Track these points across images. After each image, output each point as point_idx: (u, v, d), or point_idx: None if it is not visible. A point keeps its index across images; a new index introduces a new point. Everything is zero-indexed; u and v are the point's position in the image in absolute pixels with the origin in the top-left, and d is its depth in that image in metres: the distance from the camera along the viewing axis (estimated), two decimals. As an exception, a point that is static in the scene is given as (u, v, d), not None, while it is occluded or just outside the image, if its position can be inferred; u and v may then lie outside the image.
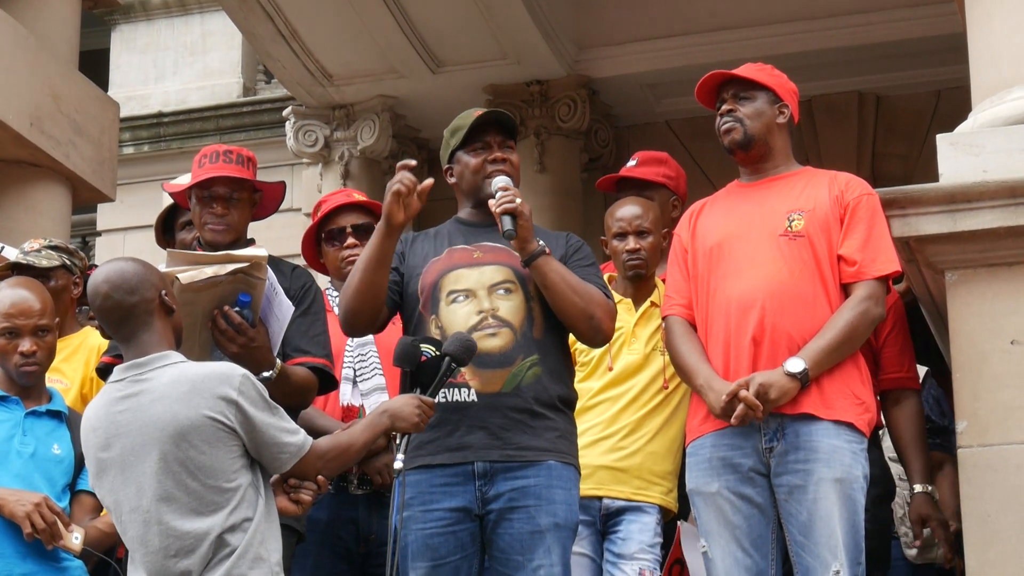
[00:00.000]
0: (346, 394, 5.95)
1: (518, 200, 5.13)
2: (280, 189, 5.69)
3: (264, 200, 5.64)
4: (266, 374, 5.10)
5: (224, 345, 5.08)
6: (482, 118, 5.35)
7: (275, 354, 5.23)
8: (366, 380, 5.97)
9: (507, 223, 5.10)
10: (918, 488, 5.73)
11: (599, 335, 5.24)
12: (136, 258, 4.61)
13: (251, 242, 5.57)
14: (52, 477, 5.46)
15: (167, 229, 6.45)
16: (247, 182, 5.52)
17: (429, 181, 5.10)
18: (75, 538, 5.31)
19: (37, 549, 5.30)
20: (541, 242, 5.17)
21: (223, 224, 5.48)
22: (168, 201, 6.35)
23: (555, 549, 5.02)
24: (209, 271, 5.01)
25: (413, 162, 5.13)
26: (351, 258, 6.11)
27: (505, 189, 5.17)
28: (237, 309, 5.08)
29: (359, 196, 6.36)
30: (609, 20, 10.89)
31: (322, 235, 6.28)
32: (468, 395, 5.08)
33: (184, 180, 5.95)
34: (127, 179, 11.89)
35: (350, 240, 6.17)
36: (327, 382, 5.46)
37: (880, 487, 5.77)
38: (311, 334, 5.44)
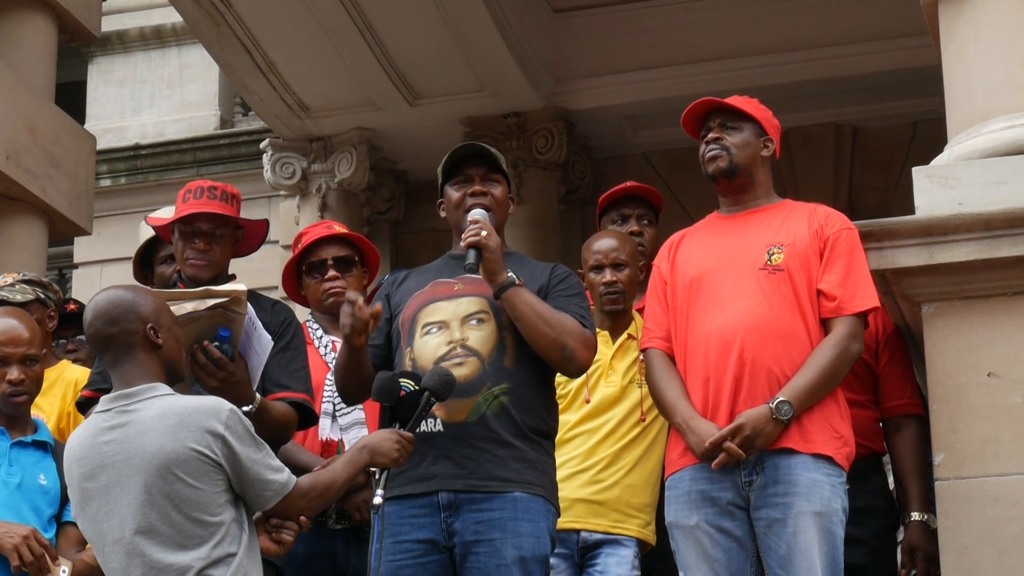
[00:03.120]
0: (325, 428, 5.93)
1: (483, 233, 5.13)
2: (263, 227, 5.69)
3: (247, 237, 5.63)
4: (245, 409, 5.07)
5: (203, 380, 5.07)
6: (460, 152, 5.35)
7: (254, 388, 5.22)
8: (345, 415, 5.95)
9: (470, 257, 5.11)
10: (914, 516, 5.65)
11: (573, 365, 5.21)
12: (135, 287, 4.62)
13: (232, 277, 5.56)
14: (39, 508, 5.44)
15: (146, 263, 6.43)
16: (230, 219, 5.52)
17: (377, 307, 5.08)
18: (62, 571, 5.29)
19: None
20: (511, 273, 5.17)
21: (205, 260, 5.48)
22: (147, 235, 6.33)
23: (521, 582, 5.01)
24: (189, 306, 5.01)
25: (356, 296, 5.06)
26: (333, 290, 6.11)
27: (475, 222, 5.18)
28: (216, 344, 5.07)
29: (339, 228, 6.35)
30: (586, 52, 10.93)
31: (302, 267, 6.26)
32: (434, 425, 5.08)
33: (165, 213, 5.94)
34: (104, 212, 11.88)
35: (331, 272, 6.15)
36: (307, 417, 5.45)
37: (884, 518, 5.75)
38: (291, 369, 5.43)
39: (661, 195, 6.45)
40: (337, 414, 5.96)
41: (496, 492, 5.04)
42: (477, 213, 5.23)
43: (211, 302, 5.05)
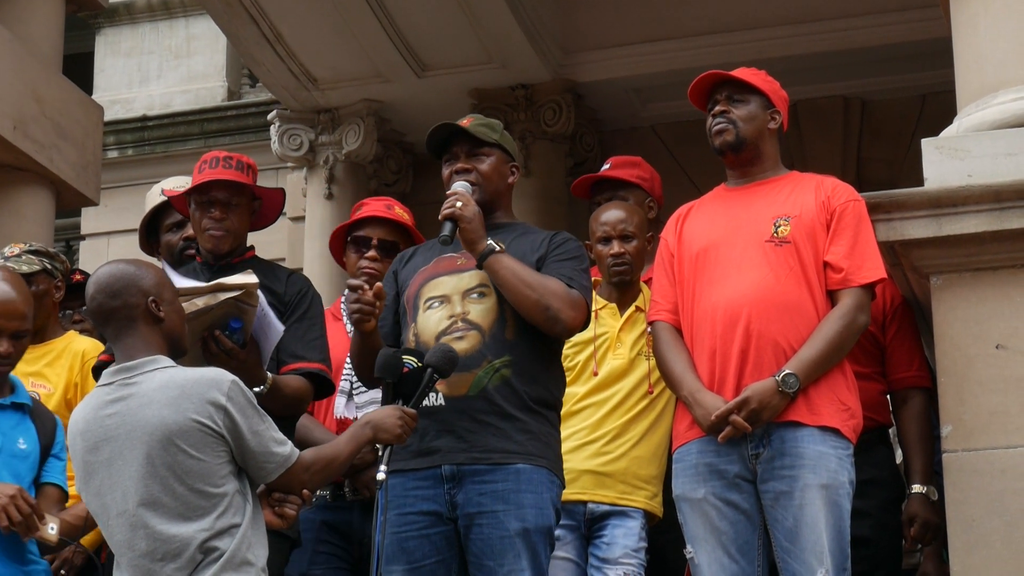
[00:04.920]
0: (340, 407, 5.94)
1: (459, 204, 5.14)
2: (280, 196, 5.66)
3: (264, 209, 5.61)
4: (257, 389, 5.07)
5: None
6: (435, 133, 5.37)
7: (266, 366, 5.22)
8: (362, 393, 5.95)
9: (445, 229, 5.13)
10: (915, 489, 5.68)
11: (558, 325, 5.15)
12: (138, 261, 4.60)
13: (250, 249, 5.56)
14: (19, 473, 5.33)
15: (151, 231, 6.42)
16: (246, 188, 5.50)
17: (379, 286, 5.09)
18: (51, 528, 5.24)
19: (7, 547, 5.22)
20: (491, 241, 5.16)
21: (222, 229, 5.46)
22: (152, 203, 6.33)
23: (525, 554, 5.01)
24: (200, 302, 5.01)
25: (357, 282, 5.10)
26: (367, 269, 6.05)
27: (453, 194, 5.20)
28: (228, 333, 5.07)
29: (399, 211, 6.27)
30: (594, 24, 10.89)
31: (349, 237, 6.24)
32: (436, 399, 5.09)
33: (176, 181, 5.95)
34: (111, 183, 11.86)
35: (372, 253, 6.11)
36: (324, 387, 5.45)
37: (889, 491, 5.77)
38: (307, 339, 5.42)
39: (639, 162, 6.38)
40: (354, 393, 5.96)
41: (499, 464, 5.05)
42: (458, 186, 5.25)
43: (223, 296, 5.04)
